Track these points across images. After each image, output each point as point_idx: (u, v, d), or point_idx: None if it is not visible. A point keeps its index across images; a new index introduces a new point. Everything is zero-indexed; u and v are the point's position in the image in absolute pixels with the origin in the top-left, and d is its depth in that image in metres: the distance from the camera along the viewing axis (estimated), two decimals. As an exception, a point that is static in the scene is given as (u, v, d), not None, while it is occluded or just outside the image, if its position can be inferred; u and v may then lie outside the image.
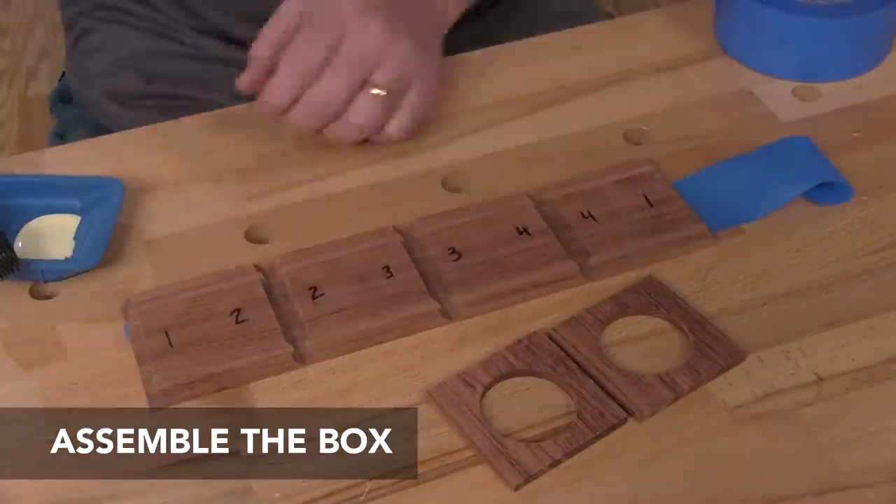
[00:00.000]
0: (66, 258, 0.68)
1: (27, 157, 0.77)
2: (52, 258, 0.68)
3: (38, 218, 0.70)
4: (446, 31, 0.80)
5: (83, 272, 0.68)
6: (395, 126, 0.74)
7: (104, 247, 0.68)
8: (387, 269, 0.67)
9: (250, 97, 0.80)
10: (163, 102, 0.87)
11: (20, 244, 0.69)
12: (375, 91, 0.72)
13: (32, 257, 0.67)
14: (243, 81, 0.74)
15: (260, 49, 0.73)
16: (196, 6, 0.89)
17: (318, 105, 0.72)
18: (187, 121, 0.79)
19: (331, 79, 0.71)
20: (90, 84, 0.93)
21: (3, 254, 0.65)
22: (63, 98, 0.98)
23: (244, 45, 0.88)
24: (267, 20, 0.76)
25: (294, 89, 0.71)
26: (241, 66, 0.78)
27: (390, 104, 0.73)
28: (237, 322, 0.64)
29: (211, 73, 0.89)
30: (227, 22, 0.88)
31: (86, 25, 0.93)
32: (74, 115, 0.95)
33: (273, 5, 0.81)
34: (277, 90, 0.71)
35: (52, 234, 0.70)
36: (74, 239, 0.69)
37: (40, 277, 0.67)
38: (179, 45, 0.90)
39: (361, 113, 0.72)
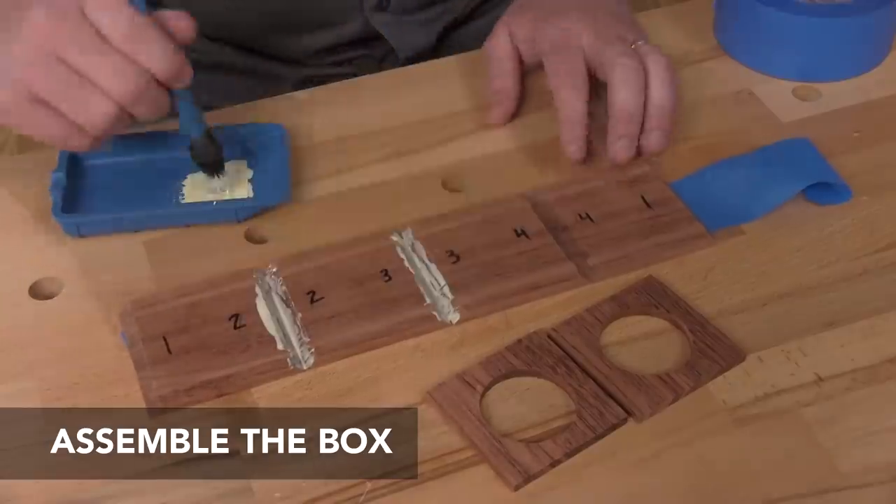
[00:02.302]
0: (252, 197, 0.72)
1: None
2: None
3: None
4: None
5: (272, 208, 0.71)
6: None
7: (288, 182, 0.72)
8: (385, 272, 0.67)
9: (249, 99, 0.81)
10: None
11: (187, 192, 0.73)
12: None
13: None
14: (497, 116, 0.77)
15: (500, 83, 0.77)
16: (207, 12, 0.89)
17: (667, 108, 0.73)
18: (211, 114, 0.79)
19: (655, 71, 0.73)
20: None
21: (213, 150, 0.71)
22: None
23: (258, 53, 0.89)
24: (279, 27, 0.76)
25: (582, 98, 0.72)
26: (247, 74, 0.78)
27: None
28: (235, 327, 0.64)
29: (218, 81, 0.89)
30: (233, 27, 0.88)
31: None
32: None
33: (304, 17, 0.81)
34: (570, 104, 0.72)
35: (224, 180, 0.73)
36: (251, 181, 0.73)
37: (234, 216, 0.71)
38: (193, 52, 0.90)
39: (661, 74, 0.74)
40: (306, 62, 0.91)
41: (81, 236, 0.70)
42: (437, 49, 0.93)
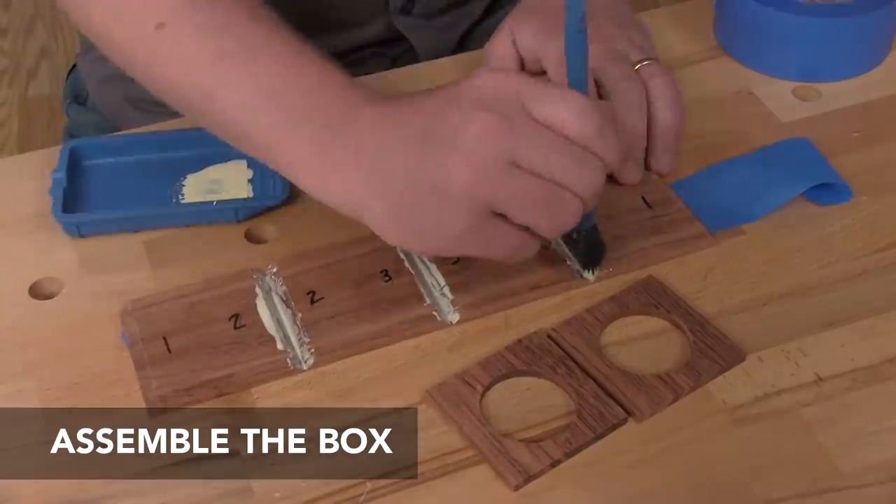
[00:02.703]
0: (251, 197, 0.72)
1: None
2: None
3: (209, 167, 0.74)
4: None
5: (271, 208, 0.71)
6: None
7: (288, 182, 0.70)
8: (385, 272, 0.67)
9: None
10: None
11: (187, 192, 0.72)
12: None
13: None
14: None
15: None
16: None
17: (675, 130, 0.73)
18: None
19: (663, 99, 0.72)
20: (108, 88, 0.93)
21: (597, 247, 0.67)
22: (78, 99, 0.97)
23: None
24: (302, 28, 0.75)
25: (643, 120, 0.71)
26: None
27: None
28: (235, 327, 0.64)
29: None
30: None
31: None
32: (90, 120, 0.95)
33: (330, 19, 0.81)
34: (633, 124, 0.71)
35: (224, 180, 0.73)
36: (250, 181, 0.73)
37: (234, 216, 0.70)
38: None
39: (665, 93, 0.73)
40: None
41: (81, 236, 0.70)
42: (454, 52, 0.93)
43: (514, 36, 0.75)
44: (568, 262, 0.67)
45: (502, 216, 0.58)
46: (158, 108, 0.89)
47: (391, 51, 0.92)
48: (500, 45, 0.76)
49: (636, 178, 0.71)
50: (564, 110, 0.58)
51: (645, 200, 0.71)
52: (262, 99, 0.61)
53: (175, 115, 0.81)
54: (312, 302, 0.65)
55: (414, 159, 0.58)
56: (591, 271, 0.67)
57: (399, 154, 0.59)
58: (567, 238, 0.67)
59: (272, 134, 0.61)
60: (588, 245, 0.66)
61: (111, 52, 0.67)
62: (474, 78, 0.60)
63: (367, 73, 0.86)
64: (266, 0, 0.87)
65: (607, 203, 0.70)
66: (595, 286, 0.66)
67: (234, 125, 0.62)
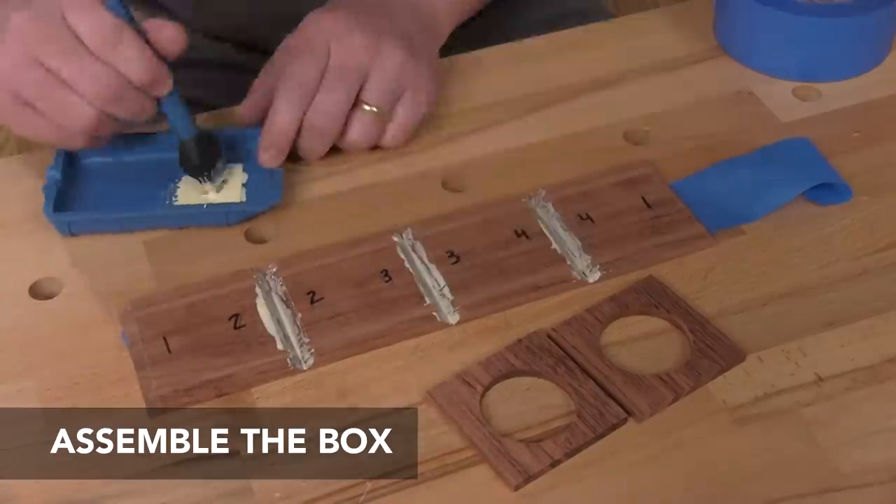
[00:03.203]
0: (245, 201, 0.72)
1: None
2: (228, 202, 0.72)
3: None
4: (442, 38, 0.81)
5: (263, 212, 0.71)
6: (388, 138, 0.75)
7: (280, 187, 0.72)
8: (385, 273, 0.67)
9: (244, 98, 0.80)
10: None
11: (180, 194, 0.72)
12: (367, 107, 0.73)
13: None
14: (245, 109, 0.75)
15: (260, 79, 0.75)
16: (207, 11, 0.89)
17: (319, 128, 0.72)
18: (207, 114, 0.79)
19: (325, 97, 0.72)
20: None
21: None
22: None
23: (256, 50, 0.88)
24: (281, 24, 0.75)
25: (294, 110, 0.72)
26: (253, 72, 0.78)
27: (382, 120, 0.74)
28: (235, 327, 0.64)
29: (222, 79, 0.89)
30: (239, 27, 0.88)
31: None
32: None
33: (286, 7, 0.81)
34: (279, 114, 0.72)
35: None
36: (244, 185, 0.73)
37: (224, 220, 0.70)
38: (192, 50, 0.90)
39: (356, 130, 0.73)
40: None
41: (73, 235, 0.70)
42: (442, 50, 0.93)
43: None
44: (568, 262, 0.67)
45: (32, 105, 0.66)
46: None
47: None
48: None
49: (265, 160, 0.73)
50: (81, 22, 0.65)
51: (645, 200, 0.71)
52: None
53: None
54: (312, 302, 0.65)
55: None
56: (202, 179, 0.71)
57: None
58: (181, 153, 0.71)
59: None
60: (187, 155, 0.71)
61: None
62: None
63: None
64: (251, 2, 0.87)
65: (608, 202, 0.70)
66: (595, 286, 0.66)
67: None
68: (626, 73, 0.82)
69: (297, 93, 0.72)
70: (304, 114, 0.72)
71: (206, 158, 0.71)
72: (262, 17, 0.88)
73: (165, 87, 0.68)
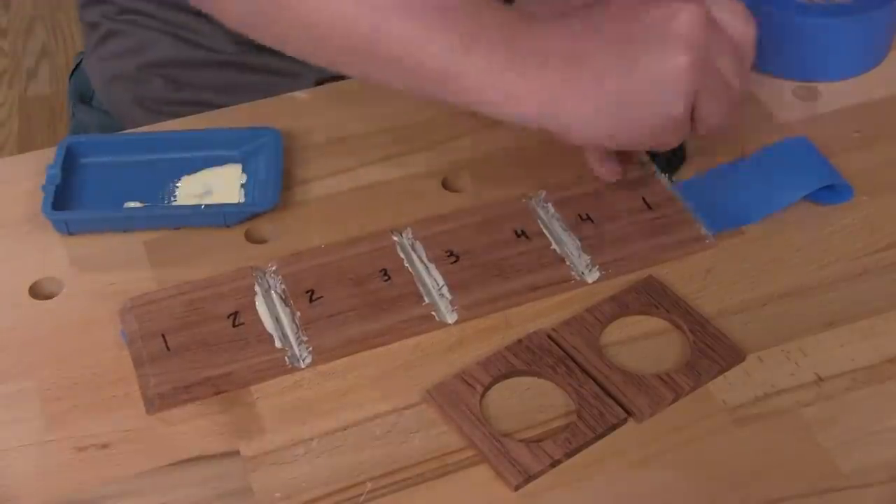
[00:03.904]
0: (244, 202, 0.72)
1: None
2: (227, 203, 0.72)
3: (204, 170, 0.74)
4: None
5: (262, 213, 0.71)
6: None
7: (279, 188, 0.71)
8: (384, 272, 0.67)
9: (268, 96, 0.80)
10: (187, 109, 0.87)
11: (179, 194, 0.72)
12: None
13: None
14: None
15: None
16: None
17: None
18: (229, 111, 0.79)
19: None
20: (116, 88, 0.93)
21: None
22: (83, 98, 0.97)
23: (269, 50, 0.88)
24: None
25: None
26: (266, 72, 0.78)
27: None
28: (234, 325, 0.64)
29: (236, 80, 0.89)
30: None
31: (111, 28, 0.93)
32: (96, 119, 0.95)
33: None
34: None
35: (216, 184, 0.73)
36: (243, 186, 0.73)
37: (222, 221, 0.70)
38: (205, 51, 0.90)
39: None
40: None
41: (71, 234, 0.70)
42: None
43: None
44: (567, 263, 0.67)
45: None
46: (166, 109, 0.90)
47: None
48: None
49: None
50: (735, 17, 0.63)
51: (645, 202, 0.71)
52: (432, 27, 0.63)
53: (183, 115, 0.81)
54: (311, 301, 0.65)
55: (622, 56, 0.62)
56: (668, 176, 0.72)
57: (604, 53, 0.62)
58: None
59: (445, 58, 0.63)
60: (673, 150, 0.71)
61: None
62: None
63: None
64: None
65: (608, 203, 0.70)
66: (595, 286, 0.66)
67: (402, 58, 0.63)
68: (626, 73, 0.82)
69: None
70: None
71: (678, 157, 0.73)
72: None
73: None
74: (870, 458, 0.57)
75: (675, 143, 0.66)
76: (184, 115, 0.80)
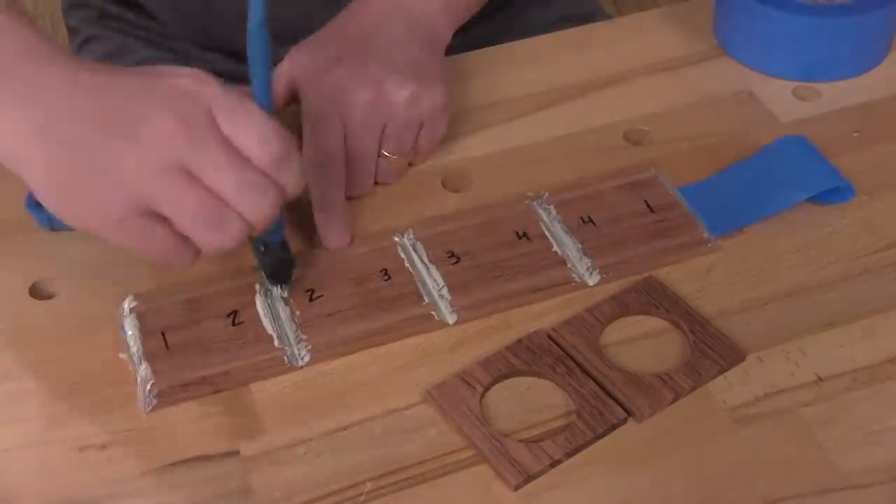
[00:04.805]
0: None
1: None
2: None
3: None
4: (444, 46, 0.77)
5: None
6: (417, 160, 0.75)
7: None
8: (384, 271, 0.67)
9: None
10: None
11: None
12: (388, 155, 0.72)
13: None
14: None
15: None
16: (197, 21, 0.89)
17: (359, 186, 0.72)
18: None
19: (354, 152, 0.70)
20: None
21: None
22: None
23: (236, 56, 0.88)
24: (277, 36, 0.75)
25: (341, 191, 0.70)
26: (241, 79, 0.77)
27: (405, 161, 0.73)
28: (234, 324, 0.64)
29: None
30: (228, 36, 0.88)
31: (90, 33, 0.93)
32: None
33: (273, 21, 0.80)
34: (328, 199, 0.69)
35: None
36: None
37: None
38: (182, 57, 0.90)
39: (381, 176, 0.73)
40: None
41: (54, 229, 0.69)
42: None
43: (289, 60, 0.74)
44: (568, 265, 0.67)
45: (164, 217, 0.57)
46: None
47: None
48: (278, 67, 0.74)
49: (336, 240, 0.69)
50: (247, 133, 0.57)
51: (648, 204, 0.70)
52: None
53: None
54: (311, 300, 0.65)
55: (92, 132, 0.56)
56: (280, 288, 0.65)
57: (80, 120, 0.56)
58: (256, 251, 0.65)
59: None
60: (274, 261, 0.65)
61: None
62: (177, 75, 0.58)
63: None
64: (214, 13, 0.87)
65: (610, 206, 0.70)
66: (595, 289, 0.66)
67: None
68: (626, 73, 0.82)
69: (333, 172, 0.70)
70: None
71: (285, 269, 0.66)
72: (232, 29, 0.88)
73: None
74: (870, 458, 0.57)
75: (134, 246, 0.58)
76: None
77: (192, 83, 0.58)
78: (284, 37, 0.81)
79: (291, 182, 0.59)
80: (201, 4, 0.88)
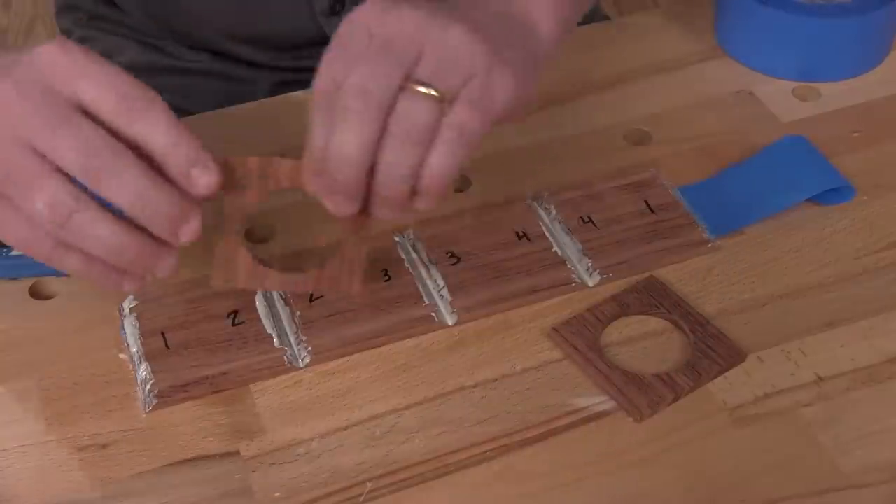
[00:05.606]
0: None
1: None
2: None
3: None
4: (541, 51, 0.61)
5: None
6: (435, 162, 0.55)
7: None
8: (384, 272, 0.67)
9: (229, 103, 0.80)
10: None
11: None
12: (416, 87, 0.54)
13: None
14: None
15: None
16: (182, 26, 0.89)
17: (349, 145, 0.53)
18: (190, 120, 0.79)
19: (365, 74, 0.53)
20: None
21: None
22: None
23: (232, 58, 0.89)
24: (252, 39, 0.74)
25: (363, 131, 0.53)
26: (230, 79, 0.77)
27: (440, 107, 0.54)
28: (234, 324, 0.64)
29: (200, 86, 0.89)
30: (214, 40, 0.89)
31: (82, 35, 0.94)
32: None
33: (257, 25, 0.80)
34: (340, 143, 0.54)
35: None
36: None
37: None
38: (170, 57, 0.90)
39: (406, 115, 0.53)
40: (276, 67, 0.90)
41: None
42: None
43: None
44: (569, 266, 0.67)
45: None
46: None
47: None
48: None
49: (334, 206, 0.56)
50: (91, 86, 0.52)
51: (648, 205, 0.70)
52: None
53: None
54: (311, 300, 0.65)
55: None
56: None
57: None
58: None
59: None
60: None
61: None
62: (38, 48, 0.53)
63: None
64: (184, 14, 0.87)
65: (611, 206, 0.70)
66: (594, 290, 0.66)
67: None
68: (626, 73, 0.82)
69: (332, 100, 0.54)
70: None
71: None
72: (236, 30, 0.88)
73: (210, 182, 0.54)
74: (870, 458, 0.57)
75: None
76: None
77: (49, 52, 0.52)
78: (284, 46, 0.81)
79: (155, 134, 0.51)
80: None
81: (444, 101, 0.54)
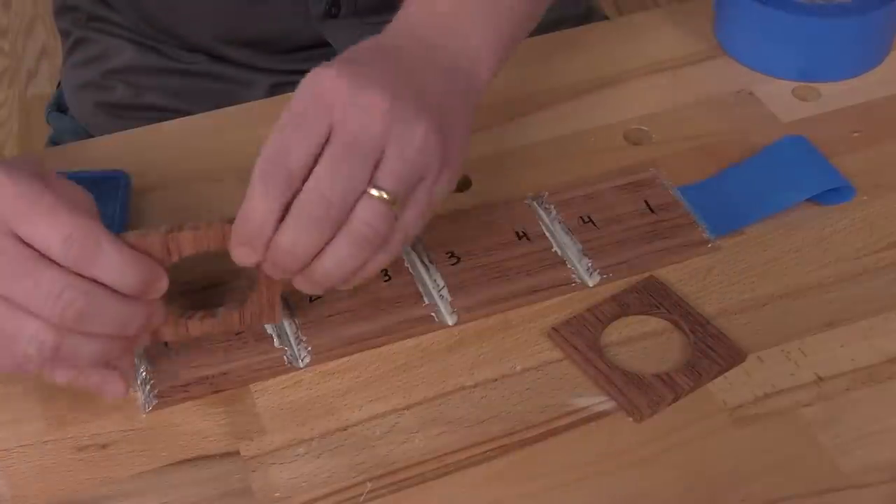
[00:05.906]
0: None
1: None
2: None
3: None
4: (481, 93, 0.64)
5: None
6: (371, 262, 0.57)
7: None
8: (385, 272, 0.67)
9: (228, 103, 0.80)
10: (151, 115, 0.87)
11: None
12: (376, 193, 0.54)
13: None
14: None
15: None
16: (178, 29, 0.89)
17: (312, 218, 0.54)
18: (188, 121, 0.79)
19: (327, 180, 0.53)
20: (82, 94, 0.93)
21: None
22: (60, 107, 0.98)
23: (228, 61, 0.89)
24: (248, 43, 0.74)
25: (275, 197, 0.54)
26: (227, 80, 0.77)
27: (392, 213, 0.55)
28: None
29: (198, 88, 0.89)
30: (211, 43, 0.89)
31: (80, 35, 0.94)
32: (68, 125, 0.96)
33: (253, 29, 0.80)
34: (253, 200, 0.55)
35: None
36: None
37: None
38: (168, 59, 0.90)
39: (366, 221, 0.54)
40: (272, 70, 0.90)
41: None
42: None
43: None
44: (569, 266, 0.67)
45: None
46: (129, 115, 0.90)
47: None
48: None
49: (236, 257, 0.57)
50: (40, 231, 0.52)
51: (648, 205, 0.70)
52: None
53: (145, 120, 0.82)
54: (311, 300, 0.65)
55: None
56: None
57: None
58: None
59: None
60: None
61: None
62: None
63: None
64: (183, 19, 0.87)
65: (611, 206, 0.70)
66: (594, 290, 0.66)
67: None
68: (626, 73, 0.82)
69: (281, 173, 0.54)
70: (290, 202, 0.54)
71: None
72: (232, 34, 0.88)
73: (161, 286, 0.55)
74: (870, 458, 0.57)
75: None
76: (148, 122, 0.81)
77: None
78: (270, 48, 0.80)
79: (109, 275, 0.52)
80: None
81: (395, 205, 0.55)
